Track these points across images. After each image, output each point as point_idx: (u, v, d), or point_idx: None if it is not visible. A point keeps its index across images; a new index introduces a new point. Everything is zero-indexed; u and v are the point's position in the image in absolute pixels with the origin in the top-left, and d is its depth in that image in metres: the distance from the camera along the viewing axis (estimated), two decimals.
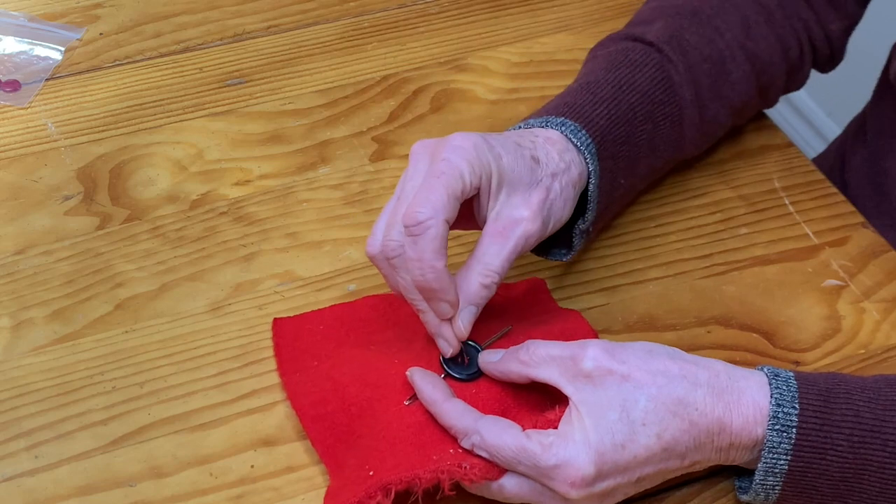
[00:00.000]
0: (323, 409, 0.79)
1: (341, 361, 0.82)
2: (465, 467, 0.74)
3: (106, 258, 0.91)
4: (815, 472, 0.74)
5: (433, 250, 0.76)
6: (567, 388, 0.74)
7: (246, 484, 0.78)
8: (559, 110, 0.87)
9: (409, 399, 0.77)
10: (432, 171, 0.77)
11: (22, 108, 1.03)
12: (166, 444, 0.80)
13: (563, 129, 0.85)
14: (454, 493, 0.74)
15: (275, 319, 0.86)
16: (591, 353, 0.74)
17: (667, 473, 0.75)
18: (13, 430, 0.80)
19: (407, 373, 0.78)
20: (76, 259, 0.91)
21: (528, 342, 0.77)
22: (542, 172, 0.82)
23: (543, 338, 0.80)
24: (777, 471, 0.74)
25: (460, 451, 0.75)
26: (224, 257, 0.92)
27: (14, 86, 1.04)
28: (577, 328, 0.84)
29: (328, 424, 0.79)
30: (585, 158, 0.85)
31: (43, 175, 0.97)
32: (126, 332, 0.86)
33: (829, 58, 1.04)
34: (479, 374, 0.79)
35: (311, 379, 0.82)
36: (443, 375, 0.79)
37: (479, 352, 0.80)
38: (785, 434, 0.74)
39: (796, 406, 0.74)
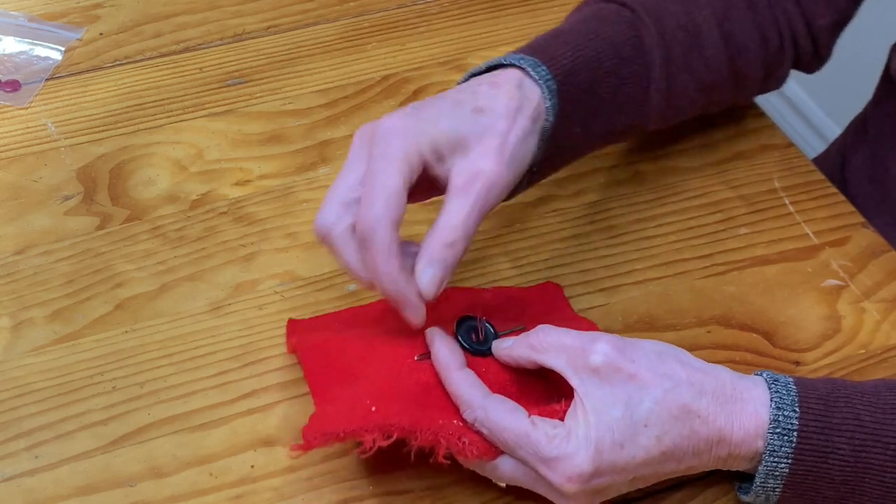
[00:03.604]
0: (324, 354, 0.80)
1: (351, 334, 0.82)
2: (465, 442, 0.74)
3: (106, 258, 0.91)
4: (816, 475, 0.74)
5: (390, 253, 0.75)
6: (573, 380, 0.74)
7: (246, 484, 0.78)
8: (520, 50, 0.86)
9: (421, 356, 0.77)
10: (370, 171, 0.76)
11: (22, 108, 1.03)
12: (166, 444, 0.80)
13: (522, 62, 0.84)
14: (447, 462, 0.74)
15: (289, 321, 0.86)
16: (601, 347, 0.74)
17: (662, 475, 0.76)
18: (13, 430, 0.80)
19: (427, 331, 0.77)
20: (76, 259, 0.91)
21: (541, 327, 0.77)
22: (490, 119, 0.80)
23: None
24: (777, 474, 0.74)
25: (462, 424, 0.75)
26: (224, 257, 0.92)
27: (14, 86, 1.04)
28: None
29: (324, 363, 0.79)
30: (543, 93, 0.83)
31: (43, 175, 0.97)
32: (126, 332, 0.86)
33: (814, 56, 1.02)
34: (489, 352, 0.79)
35: (319, 337, 0.82)
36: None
37: (493, 331, 0.80)
38: (786, 438, 0.74)
39: (797, 410, 0.74)
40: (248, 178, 0.98)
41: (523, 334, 0.78)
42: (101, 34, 1.11)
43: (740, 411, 0.74)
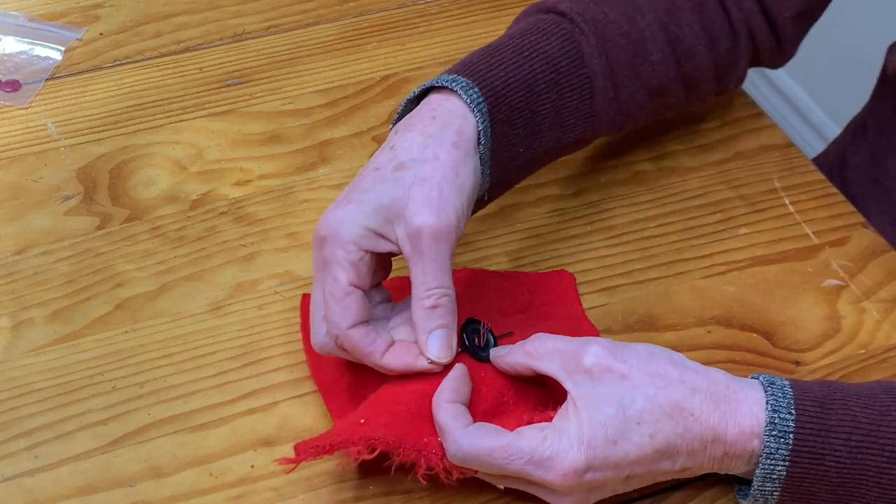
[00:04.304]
0: (342, 382, 0.81)
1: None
2: (446, 463, 0.75)
3: (106, 258, 0.91)
4: (814, 477, 0.74)
5: (364, 354, 0.77)
6: (567, 383, 0.74)
7: (246, 484, 0.78)
8: (454, 69, 0.85)
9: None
10: (322, 283, 0.78)
11: (22, 108, 1.03)
12: (166, 444, 0.80)
13: (455, 84, 0.83)
14: (426, 482, 0.75)
15: (304, 295, 0.87)
16: (593, 349, 0.75)
17: (657, 475, 0.76)
18: (13, 430, 0.80)
19: (457, 365, 0.78)
20: (76, 259, 0.91)
21: (536, 335, 0.78)
22: (412, 170, 0.78)
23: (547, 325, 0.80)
24: (775, 477, 0.74)
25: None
26: (224, 257, 0.92)
27: (14, 86, 1.04)
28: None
29: (346, 397, 0.80)
30: (476, 116, 0.82)
31: (43, 175, 0.97)
32: (126, 332, 0.86)
33: (777, 51, 1.00)
34: (487, 359, 0.80)
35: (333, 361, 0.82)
36: (460, 349, 0.79)
37: (493, 340, 0.80)
38: (782, 440, 0.74)
39: (792, 412, 0.74)
40: (248, 178, 0.98)
41: (520, 342, 0.78)
42: (101, 34, 1.11)
43: (734, 410, 0.74)
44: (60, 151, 1.00)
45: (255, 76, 1.07)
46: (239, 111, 1.04)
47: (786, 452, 0.74)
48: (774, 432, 0.74)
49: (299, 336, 0.86)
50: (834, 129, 1.99)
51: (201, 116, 1.03)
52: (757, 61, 1.01)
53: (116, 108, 1.04)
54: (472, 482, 0.77)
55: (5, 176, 0.97)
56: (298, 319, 0.87)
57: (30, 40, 1.08)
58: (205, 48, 1.10)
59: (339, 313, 0.77)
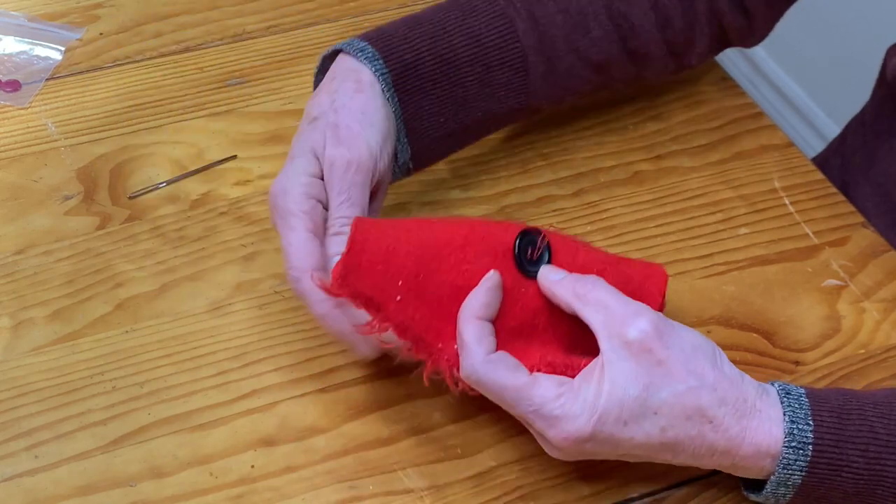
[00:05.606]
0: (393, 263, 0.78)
1: (409, 228, 0.80)
2: (454, 372, 0.75)
3: (106, 258, 0.91)
4: (829, 486, 0.74)
5: (312, 305, 0.79)
6: (603, 343, 0.73)
7: (246, 484, 0.78)
8: (369, 34, 0.90)
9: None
10: (284, 240, 0.81)
11: (22, 108, 1.03)
12: (166, 444, 0.80)
13: (360, 55, 0.87)
14: (427, 383, 0.76)
15: (356, 218, 0.81)
16: (641, 324, 0.73)
17: (654, 460, 0.75)
18: (13, 430, 0.80)
19: (491, 272, 0.76)
20: (76, 259, 0.91)
21: (591, 278, 0.76)
22: (321, 119, 0.84)
23: (613, 278, 0.77)
24: (790, 483, 0.74)
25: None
26: (224, 257, 0.92)
27: (14, 86, 1.04)
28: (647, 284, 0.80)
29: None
30: (383, 87, 0.87)
31: (43, 175, 0.97)
32: (126, 332, 0.86)
33: (747, 30, 1.01)
34: (534, 275, 0.77)
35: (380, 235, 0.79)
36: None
37: (548, 258, 0.78)
38: (801, 451, 0.73)
39: (810, 423, 0.73)
40: (248, 178, 0.98)
41: (573, 276, 0.76)
42: (101, 34, 1.11)
43: (756, 427, 0.73)
44: (60, 151, 1.00)
45: (255, 76, 1.07)
46: (239, 111, 1.04)
47: (804, 463, 0.73)
48: (793, 443, 0.73)
49: (299, 336, 0.86)
50: (834, 129, 1.99)
51: (201, 116, 1.03)
52: (726, 41, 1.02)
53: (116, 108, 1.04)
54: (474, 481, 0.77)
55: (5, 176, 0.97)
56: (299, 319, 0.87)
57: (30, 40, 1.08)
58: (205, 48, 1.10)
59: (296, 260, 0.79)
